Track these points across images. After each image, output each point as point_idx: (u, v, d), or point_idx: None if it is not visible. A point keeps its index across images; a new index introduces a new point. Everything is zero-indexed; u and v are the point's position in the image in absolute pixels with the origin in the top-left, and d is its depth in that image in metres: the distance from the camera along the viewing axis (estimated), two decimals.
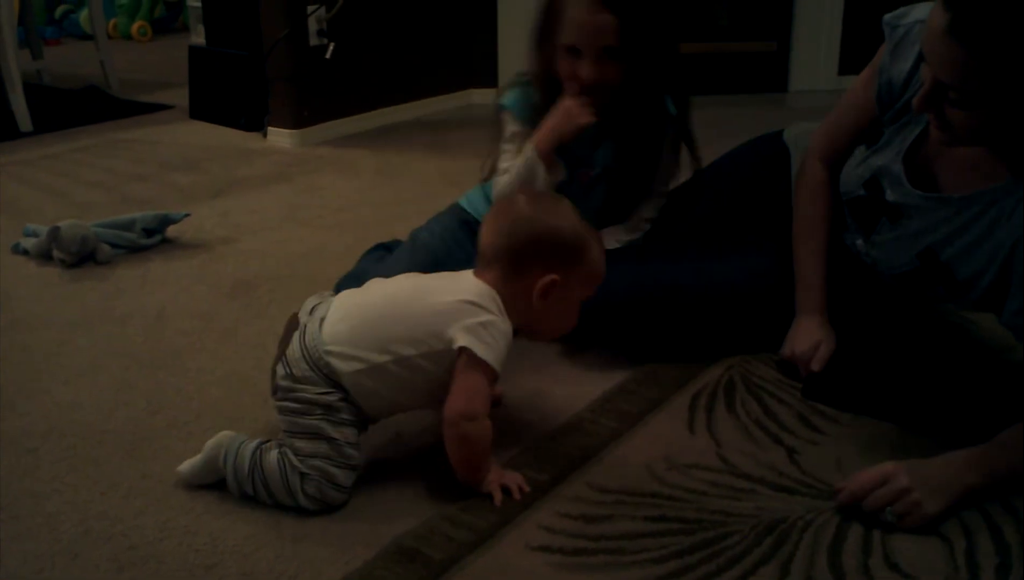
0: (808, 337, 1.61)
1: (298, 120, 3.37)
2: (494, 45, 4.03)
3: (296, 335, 1.34)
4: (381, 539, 1.23)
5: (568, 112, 1.69)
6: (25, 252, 2.29)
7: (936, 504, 1.24)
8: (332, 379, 1.30)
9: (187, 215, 2.41)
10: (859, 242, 1.62)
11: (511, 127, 1.80)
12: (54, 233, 2.18)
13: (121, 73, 4.43)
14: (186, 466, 1.35)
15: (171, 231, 2.39)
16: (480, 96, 4.09)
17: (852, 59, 4.07)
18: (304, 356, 1.31)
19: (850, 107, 1.63)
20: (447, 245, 1.84)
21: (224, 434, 1.35)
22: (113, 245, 2.27)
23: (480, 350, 1.28)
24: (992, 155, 1.38)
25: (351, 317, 1.34)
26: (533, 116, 1.76)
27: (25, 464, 1.42)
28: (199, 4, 3.86)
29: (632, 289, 1.68)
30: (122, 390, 1.64)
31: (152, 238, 2.33)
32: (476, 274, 1.37)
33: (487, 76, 4.07)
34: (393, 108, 3.74)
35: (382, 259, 1.88)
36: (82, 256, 2.21)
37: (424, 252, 1.82)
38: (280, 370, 1.32)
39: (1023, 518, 1.25)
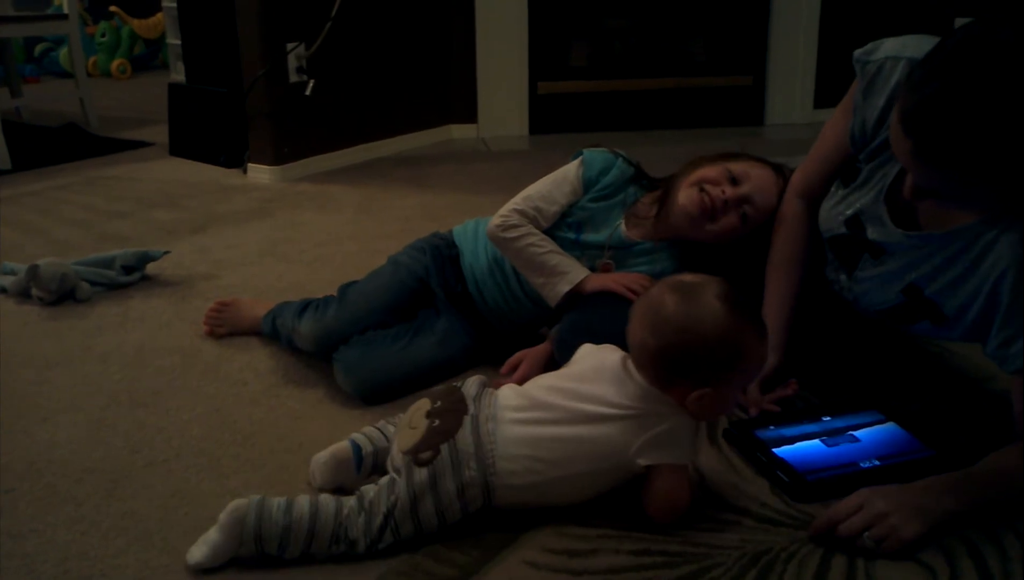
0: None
1: (278, 156, 3.38)
2: (473, 81, 4.07)
3: (468, 430, 1.28)
4: (365, 576, 1.22)
5: (633, 285, 1.68)
6: (3, 290, 2.28)
7: (913, 529, 1.24)
8: (488, 491, 1.28)
9: (167, 252, 2.40)
10: (842, 278, 1.60)
11: (571, 182, 1.80)
12: (33, 271, 2.17)
13: (101, 111, 4.44)
14: (200, 550, 1.23)
15: (151, 268, 2.39)
16: (459, 131, 4.12)
17: (827, 93, 4.13)
18: (476, 454, 1.26)
19: (827, 144, 1.61)
20: (424, 265, 1.89)
21: (239, 502, 1.24)
22: (92, 283, 2.26)
23: (673, 458, 1.28)
24: None
25: (534, 447, 1.28)
26: (607, 183, 1.79)
27: (3, 504, 1.40)
28: (178, 42, 3.88)
29: (585, 337, 1.54)
30: (101, 429, 1.63)
31: (132, 275, 2.33)
32: (635, 365, 1.33)
33: (467, 112, 4.11)
34: (373, 144, 3.76)
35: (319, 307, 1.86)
36: (61, 294, 2.20)
37: (405, 270, 1.88)
38: (446, 451, 1.26)
39: (1006, 546, 1.26)
